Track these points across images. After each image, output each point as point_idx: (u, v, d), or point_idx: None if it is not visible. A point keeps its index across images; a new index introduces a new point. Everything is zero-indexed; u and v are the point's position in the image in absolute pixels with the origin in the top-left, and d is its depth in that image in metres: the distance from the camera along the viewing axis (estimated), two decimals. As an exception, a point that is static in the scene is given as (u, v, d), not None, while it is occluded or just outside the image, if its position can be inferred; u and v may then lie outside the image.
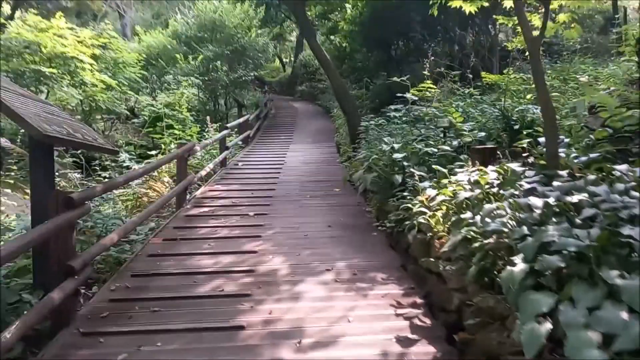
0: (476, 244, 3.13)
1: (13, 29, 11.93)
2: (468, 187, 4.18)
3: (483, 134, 6.15)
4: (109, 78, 12.26)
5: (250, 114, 16.87)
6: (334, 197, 7.86)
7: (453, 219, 3.79)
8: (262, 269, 4.62)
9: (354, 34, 13.97)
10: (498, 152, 5.08)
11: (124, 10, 24.59)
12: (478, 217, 3.29)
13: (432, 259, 3.93)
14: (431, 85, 6.62)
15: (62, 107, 12.30)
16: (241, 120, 13.78)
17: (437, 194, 4.43)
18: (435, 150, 5.86)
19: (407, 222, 4.92)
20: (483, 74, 6.52)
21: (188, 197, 8.00)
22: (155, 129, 12.68)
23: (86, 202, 3.94)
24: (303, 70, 29.40)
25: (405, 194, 5.41)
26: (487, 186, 3.89)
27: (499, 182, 3.91)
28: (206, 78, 16.04)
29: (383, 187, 6.17)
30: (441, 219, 4.28)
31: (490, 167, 4.33)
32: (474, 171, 4.49)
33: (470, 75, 8.18)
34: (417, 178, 5.28)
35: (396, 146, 6.04)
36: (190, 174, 7.77)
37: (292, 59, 36.19)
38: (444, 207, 4.28)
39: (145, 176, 8.98)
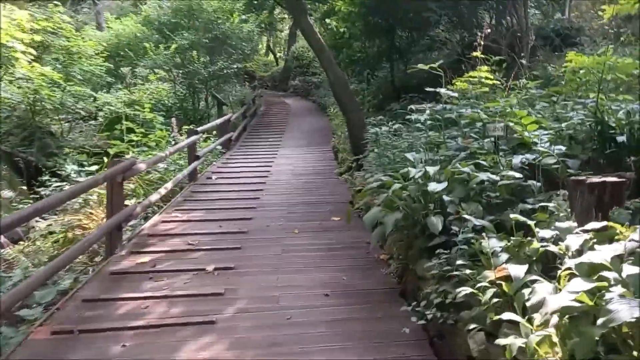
0: None
1: None
2: (614, 276, 1.99)
3: (562, 148, 3.95)
4: (53, 71, 9.94)
5: (233, 113, 14.59)
6: (331, 232, 5.64)
7: None
8: None
9: (354, 16, 11.73)
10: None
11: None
12: None
13: None
14: (488, 74, 4.39)
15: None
16: (219, 121, 11.52)
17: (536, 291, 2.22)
18: (494, 177, 3.65)
19: (466, 314, 2.76)
20: (572, 54, 4.27)
21: (129, 234, 5.77)
22: (113, 133, 10.44)
23: None
24: (296, 63, 27.13)
25: (449, 253, 3.24)
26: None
27: None
28: (181, 71, 13.76)
29: (411, 232, 3.96)
30: (557, 341, 2.08)
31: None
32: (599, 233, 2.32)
33: (524, 61, 6.00)
34: (468, 220, 3.11)
35: (431, 170, 3.82)
36: (129, 205, 5.53)
37: (285, 51, 33.89)
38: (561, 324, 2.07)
39: (81, 199, 6.78)
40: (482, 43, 4.97)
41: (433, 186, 3.68)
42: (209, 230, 5.82)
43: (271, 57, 35.74)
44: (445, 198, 3.70)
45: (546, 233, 2.78)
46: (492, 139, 4.52)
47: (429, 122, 5.63)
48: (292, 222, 6.07)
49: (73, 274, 5.12)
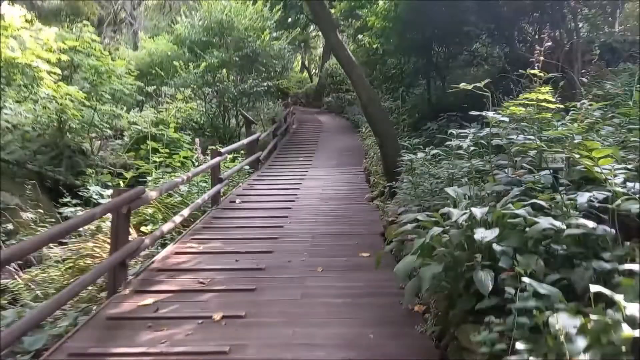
0: None
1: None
2: None
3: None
4: (79, 90, 9.77)
5: (263, 131, 14.20)
6: (359, 272, 4.98)
7: None
8: None
9: (387, 31, 11.14)
10: None
11: (132, 16, 22.56)
12: None
13: None
14: (549, 97, 3.67)
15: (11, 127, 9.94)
16: (245, 141, 11.11)
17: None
18: (558, 224, 2.93)
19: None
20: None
21: (139, 267, 5.30)
22: (139, 153, 10.16)
23: None
24: (330, 80, 26.76)
25: (502, 323, 2.55)
26: None
27: None
28: (210, 89, 13.51)
29: (453, 287, 3.27)
30: None
31: None
32: None
33: (583, 79, 5.24)
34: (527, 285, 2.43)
35: (478, 213, 3.13)
36: (133, 239, 5.05)
37: (319, 68, 33.65)
38: None
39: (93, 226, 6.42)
40: (541, 59, 4.23)
41: (481, 234, 3.00)
42: (223, 265, 5.28)
43: (305, 74, 35.58)
44: (496, 247, 3.01)
45: (635, 309, 2.08)
46: (551, 171, 3.80)
47: (472, 148, 4.93)
48: (315, 258, 5.45)
49: (74, 311, 4.68)
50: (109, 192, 7.50)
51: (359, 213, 7.58)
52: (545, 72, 5.47)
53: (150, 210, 7.31)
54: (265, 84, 14.20)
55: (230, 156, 11.17)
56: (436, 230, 3.25)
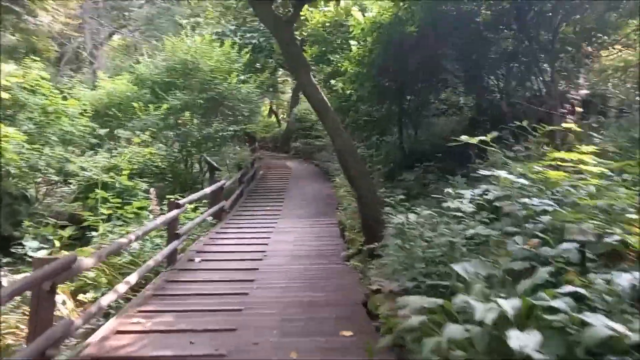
0: None
1: None
2: None
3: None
4: (19, 131, 8.72)
5: (229, 178, 13.33)
6: (342, 360, 4.10)
7: None
8: None
9: (361, 77, 10.72)
10: None
11: (92, 55, 21.66)
12: None
13: None
14: (588, 157, 3.03)
15: None
16: (208, 189, 10.20)
17: None
18: (619, 327, 2.21)
19: None
20: None
21: (67, 355, 4.25)
22: (87, 202, 9.09)
23: None
24: (298, 125, 26.33)
25: None
26: None
27: None
28: (172, 133, 12.65)
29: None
30: None
31: None
32: None
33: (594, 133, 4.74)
34: None
35: (509, 309, 2.38)
36: (59, 322, 4.03)
37: (287, 113, 33.37)
38: None
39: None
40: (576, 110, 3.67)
41: (518, 340, 2.23)
42: (175, 349, 4.29)
43: (273, 118, 35.19)
44: (537, 357, 2.25)
45: None
46: (576, 244, 3.13)
47: (470, 209, 4.24)
48: (288, 338, 4.54)
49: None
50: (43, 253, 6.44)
51: (335, 275, 6.74)
52: (539, 122, 4.99)
53: (91, 274, 6.25)
54: (231, 128, 13.45)
55: (192, 206, 10.21)
56: (455, 330, 2.47)
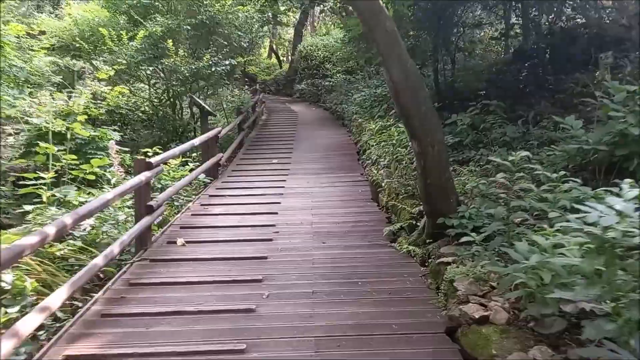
0: None
1: None
2: None
3: None
4: None
5: (225, 125, 10.89)
6: None
7: None
8: None
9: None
10: None
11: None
12: None
13: None
14: None
15: None
16: (197, 140, 7.78)
17: None
18: None
19: None
20: None
21: None
22: (35, 158, 6.75)
23: None
24: (304, 64, 23.43)
25: None
26: None
27: None
28: (152, 68, 10.08)
29: None
30: None
31: None
32: None
33: None
34: None
35: None
36: None
37: (289, 52, 30.23)
38: None
39: None
40: None
41: None
42: None
43: (274, 59, 32.07)
44: None
45: None
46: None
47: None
48: None
49: None
50: None
51: (383, 270, 4.46)
52: None
53: (9, 278, 3.99)
54: (227, 62, 10.80)
55: (177, 161, 7.86)
56: None
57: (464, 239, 3.79)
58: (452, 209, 4.54)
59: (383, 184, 6.65)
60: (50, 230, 3.09)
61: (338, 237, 5.47)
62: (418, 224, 5.13)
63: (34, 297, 4.11)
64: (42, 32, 12.98)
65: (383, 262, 4.66)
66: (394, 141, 7.84)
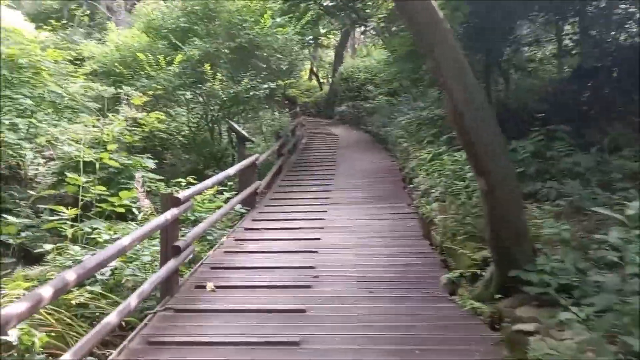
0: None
1: None
2: None
3: None
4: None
5: (265, 149, 10.44)
6: None
7: None
8: None
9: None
10: None
11: (109, 8, 18.99)
12: None
13: None
14: None
15: None
16: (232, 170, 7.29)
17: None
18: None
19: None
20: None
21: None
22: (66, 188, 6.45)
23: None
24: (344, 86, 23.00)
25: None
26: None
27: None
28: (191, 93, 9.81)
29: None
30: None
31: None
32: None
33: None
34: None
35: None
36: None
37: (330, 74, 29.95)
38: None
39: None
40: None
41: None
42: None
43: (314, 81, 31.90)
44: None
45: None
46: None
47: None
48: None
49: None
50: None
51: (445, 334, 3.72)
52: None
53: (15, 330, 3.52)
54: (266, 85, 10.42)
55: (211, 191, 7.39)
56: None
57: (562, 315, 2.92)
58: (528, 258, 3.78)
59: (436, 220, 5.91)
60: (46, 292, 2.58)
61: (386, 284, 4.77)
62: (483, 273, 4.37)
63: (44, 355, 3.67)
64: (89, 58, 13.14)
65: (443, 322, 3.92)
66: (448, 171, 7.09)
